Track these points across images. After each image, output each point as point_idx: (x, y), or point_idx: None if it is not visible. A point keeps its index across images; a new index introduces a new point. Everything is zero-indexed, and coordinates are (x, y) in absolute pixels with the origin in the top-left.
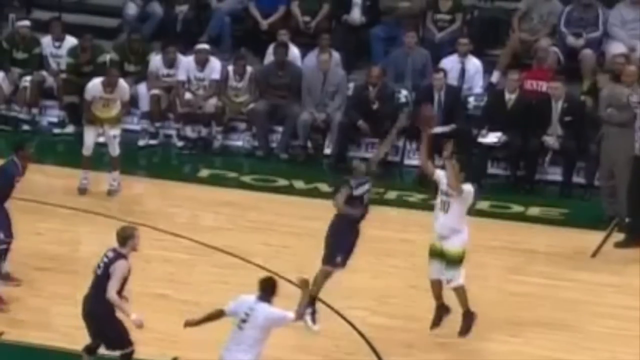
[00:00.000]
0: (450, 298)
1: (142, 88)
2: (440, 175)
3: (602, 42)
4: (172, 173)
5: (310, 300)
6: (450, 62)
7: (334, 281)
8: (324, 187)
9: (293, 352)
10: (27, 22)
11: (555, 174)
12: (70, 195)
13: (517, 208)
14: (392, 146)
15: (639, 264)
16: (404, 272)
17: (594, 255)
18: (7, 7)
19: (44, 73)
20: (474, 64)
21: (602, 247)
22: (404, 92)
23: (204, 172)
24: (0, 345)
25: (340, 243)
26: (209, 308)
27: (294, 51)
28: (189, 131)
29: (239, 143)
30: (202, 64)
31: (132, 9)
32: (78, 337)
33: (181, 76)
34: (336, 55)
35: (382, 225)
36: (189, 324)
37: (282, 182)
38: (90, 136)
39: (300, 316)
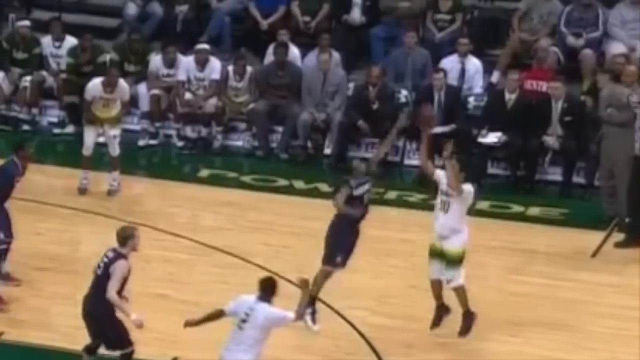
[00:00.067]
0: (450, 298)
1: (142, 88)
2: (440, 175)
3: (602, 42)
4: (172, 173)
5: (310, 300)
6: (450, 62)
7: (334, 281)
8: (324, 187)
9: (293, 352)
10: (27, 22)
11: (555, 174)
12: (70, 195)
13: (517, 208)
14: (392, 146)
15: (639, 264)
16: (404, 272)
17: (594, 255)
18: (7, 7)
19: (44, 73)
20: (474, 64)
21: (602, 247)
22: (404, 92)
23: (204, 172)
24: (0, 345)
25: (340, 243)
26: (209, 308)
27: (294, 51)
28: (189, 131)
29: (239, 143)
30: (202, 64)
31: (132, 9)
32: (78, 337)
33: (181, 76)
34: (336, 55)
35: (382, 225)
36: (189, 324)
37: (282, 182)
38: (90, 136)
39: (300, 316)
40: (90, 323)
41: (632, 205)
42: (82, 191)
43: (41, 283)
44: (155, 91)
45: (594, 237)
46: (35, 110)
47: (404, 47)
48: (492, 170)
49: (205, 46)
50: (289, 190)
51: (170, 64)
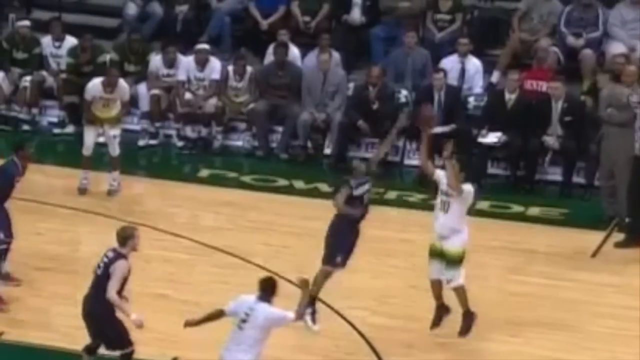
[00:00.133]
0: (450, 298)
1: (142, 88)
2: (440, 175)
3: (602, 42)
4: (172, 173)
5: (310, 300)
6: (450, 62)
7: (334, 281)
8: (324, 187)
9: (293, 352)
10: (27, 22)
11: (555, 174)
12: (70, 195)
13: (517, 208)
14: (392, 146)
15: (639, 264)
16: (404, 272)
17: (594, 255)
18: (7, 7)
19: (44, 73)
20: (474, 64)
21: (602, 247)
22: (404, 92)
23: (204, 172)
24: (0, 345)
25: (340, 243)
26: (209, 308)
27: (294, 51)
28: (189, 131)
29: (239, 143)
30: (202, 64)
31: (132, 9)
32: (78, 337)
33: (181, 76)
34: (336, 55)
35: (382, 225)
36: (189, 324)
37: (282, 182)
38: (90, 136)
39: (300, 316)
40: (90, 323)
41: (632, 205)
42: (82, 191)
43: (41, 283)
44: (155, 91)
45: (594, 237)
46: (35, 110)
47: (404, 47)
48: (492, 170)
49: (205, 46)
50: (289, 190)
51: (170, 64)
